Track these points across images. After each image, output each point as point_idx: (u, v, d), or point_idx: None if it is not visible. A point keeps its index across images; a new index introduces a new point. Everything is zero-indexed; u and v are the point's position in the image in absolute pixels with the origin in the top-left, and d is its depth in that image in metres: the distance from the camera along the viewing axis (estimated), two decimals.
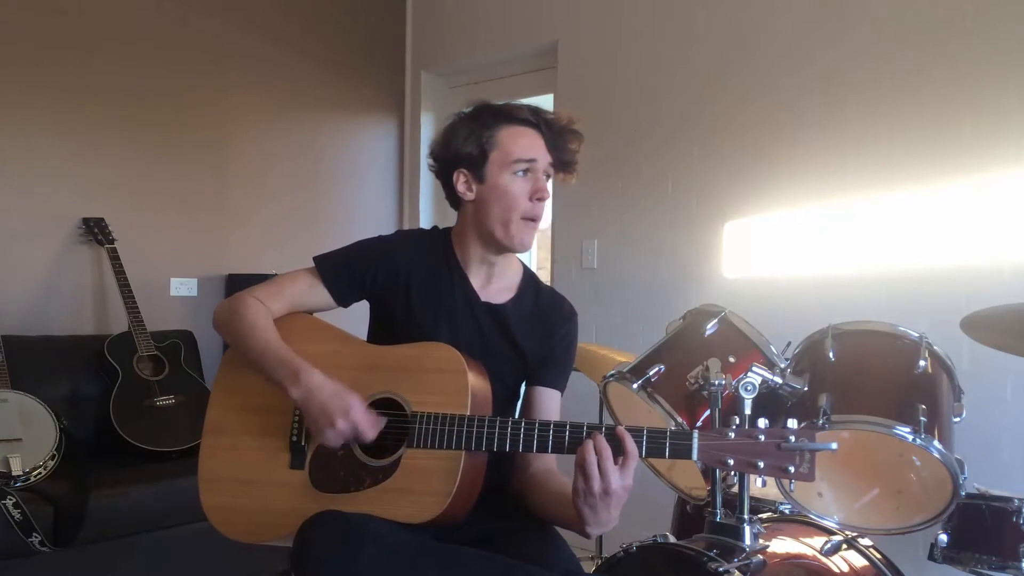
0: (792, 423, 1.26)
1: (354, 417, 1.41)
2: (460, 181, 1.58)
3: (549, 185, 1.60)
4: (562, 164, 1.60)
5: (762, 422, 1.28)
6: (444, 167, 1.61)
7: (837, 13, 2.81)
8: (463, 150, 1.57)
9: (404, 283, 1.60)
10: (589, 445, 1.28)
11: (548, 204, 1.60)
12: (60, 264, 3.19)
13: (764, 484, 1.35)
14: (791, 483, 1.30)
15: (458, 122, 1.61)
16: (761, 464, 1.24)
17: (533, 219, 1.56)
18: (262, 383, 1.53)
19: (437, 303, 1.60)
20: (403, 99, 4.34)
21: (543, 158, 1.57)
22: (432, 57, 4.26)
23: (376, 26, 4.25)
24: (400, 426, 1.44)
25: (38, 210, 3.15)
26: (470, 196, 1.58)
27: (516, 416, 1.66)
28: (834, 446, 1.25)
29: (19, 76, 3.09)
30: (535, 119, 1.58)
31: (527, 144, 1.56)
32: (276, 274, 3.42)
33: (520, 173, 1.55)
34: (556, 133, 1.58)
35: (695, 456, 1.27)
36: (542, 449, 1.36)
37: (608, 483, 1.27)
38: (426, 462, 1.40)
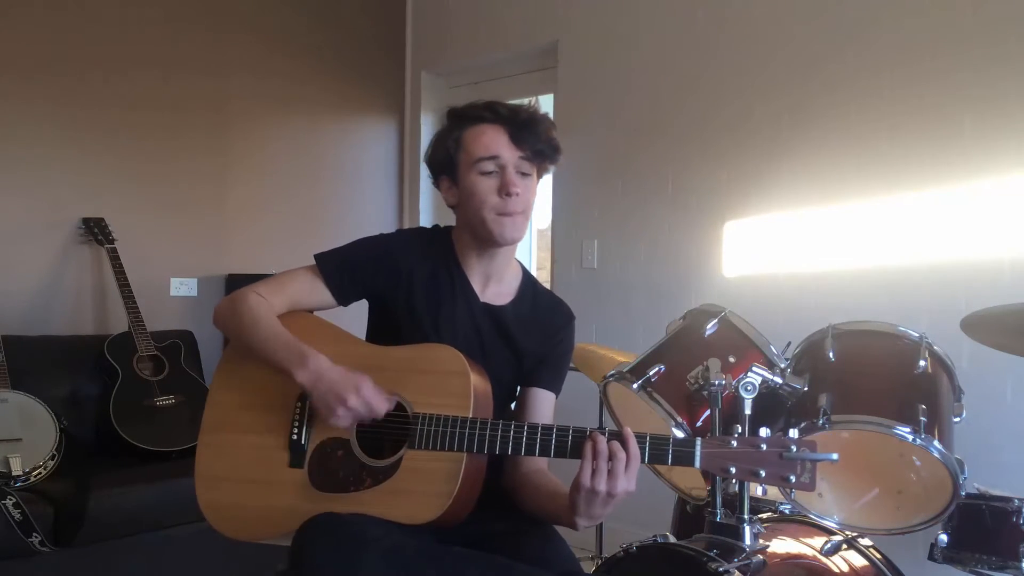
0: (794, 433, 1.27)
1: (365, 393, 1.40)
2: (444, 187, 1.61)
3: (531, 182, 1.57)
4: (537, 154, 1.55)
5: (764, 431, 1.29)
6: (433, 175, 1.64)
7: (839, 15, 2.81)
8: (437, 157, 1.59)
9: (405, 282, 1.59)
10: (602, 442, 1.29)
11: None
12: (60, 264, 3.19)
13: (765, 492, 1.35)
14: (791, 492, 1.31)
15: (439, 130, 1.63)
16: (763, 473, 1.26)
17: (506, 214, 1.53)
18: (261, 381, 1.52)
19: (437, 302, 1.59)
20: (403, 99, 4.34)
21: (508, 153, 1.53)
22: (432, 57, 4.26)
23: (376, 26, 4.25)
24: (402, 427, 1.44)
25: (38, 210, 3.15)
26: (452, 200, 1.60)
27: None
28: (835, 456, 1.26)
29: (22, 79, 3.09)
30: (492, 115, 1.55)
31: (487, 142, 1.53)
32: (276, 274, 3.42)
33: (488, 172, 1.53)
34: (520, 125, 1.53)
35: (698, 464, 1.28)
36: (544, 453, 1.36)
37: (614, 485, 1.28)
38: (427, 463, 1.40)
